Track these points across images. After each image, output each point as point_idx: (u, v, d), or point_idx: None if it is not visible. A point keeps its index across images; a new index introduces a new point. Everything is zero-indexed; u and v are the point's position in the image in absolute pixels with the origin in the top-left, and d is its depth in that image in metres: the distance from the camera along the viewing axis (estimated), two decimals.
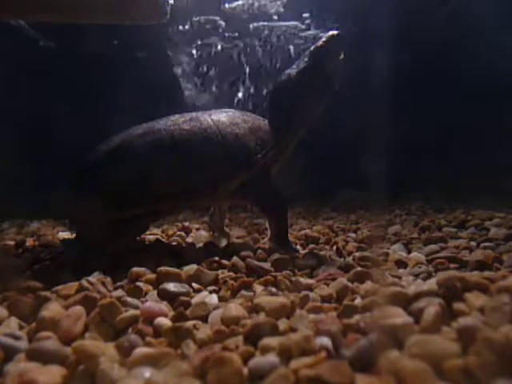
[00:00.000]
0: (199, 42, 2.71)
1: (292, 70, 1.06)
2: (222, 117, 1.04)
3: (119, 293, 0.69)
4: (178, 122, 1.01)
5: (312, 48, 1.05)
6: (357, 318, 0.53)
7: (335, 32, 1.03)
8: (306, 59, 1.05)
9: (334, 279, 0.75)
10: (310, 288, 0.72)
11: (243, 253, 0.91)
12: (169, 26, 2.58)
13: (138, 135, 1.00)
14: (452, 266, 0.84)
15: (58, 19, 1.35)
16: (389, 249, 1.08)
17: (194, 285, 0.74)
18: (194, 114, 1.04)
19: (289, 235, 1.07)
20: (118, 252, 0.94)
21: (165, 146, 0.98)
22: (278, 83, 1.09)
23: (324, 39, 1.04)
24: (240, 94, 2.60)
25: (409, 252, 1.06)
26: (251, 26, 2.68)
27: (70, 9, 1.21)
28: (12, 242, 1.23)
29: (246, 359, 0.46)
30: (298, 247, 1.10)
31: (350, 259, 0.95)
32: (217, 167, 0.99)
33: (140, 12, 1.26)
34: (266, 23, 2.68)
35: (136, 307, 0.63)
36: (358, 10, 2.56)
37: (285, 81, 1.06)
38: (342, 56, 1.05)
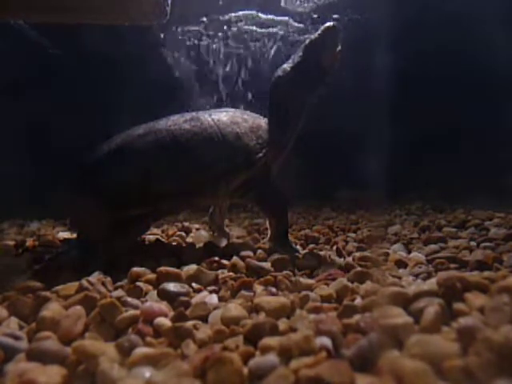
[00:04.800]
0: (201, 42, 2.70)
1: (287, 65, 1.05)
2: (222, 116, 1.04)
3: (119, 293, 0.69)
4: (179, 121, 1.01)
5: (307, 42, 1.04)
6: (357, 317, 0.53)
7: (331, 24, 1.01)
8: (300, 53, 1.04)
9: (334, 279, 0.75)
10: (310, 288, 0.72)
11: (243, 253, 0.91)
12: (171, 26, 2.58)
13: (138, 135, 1.00)
14: (452, 266, 0.84)
15: (58, 19, 1.35)
16: (389, 249, 1.08)
17: (193, 285, 0.74)
18: (194, 114, 1.04)
19: (289, 235, 1.07)
20: (118, 252, 0.94)
21: (165, 146, 0.98)
22: (275, 79, 1.07)
23: (320, 32, 1.02)
24: None
25: (409, 252, 1.06)
26: None
27: (71, 9, 1.21)
28: (12, 242, 1.23)
29: (245, 359, 0.46)
30: (298, 247, 1.10)
31: (349, 259, 0.95)
32: (217, 167, 0.99)
33: (140, 12, 1.26)
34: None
35: (136, 307, 0.63)
36: (359, 9, 2.56)
37: (281, 76, 1.05)
38: (339, 47, 1.01)
